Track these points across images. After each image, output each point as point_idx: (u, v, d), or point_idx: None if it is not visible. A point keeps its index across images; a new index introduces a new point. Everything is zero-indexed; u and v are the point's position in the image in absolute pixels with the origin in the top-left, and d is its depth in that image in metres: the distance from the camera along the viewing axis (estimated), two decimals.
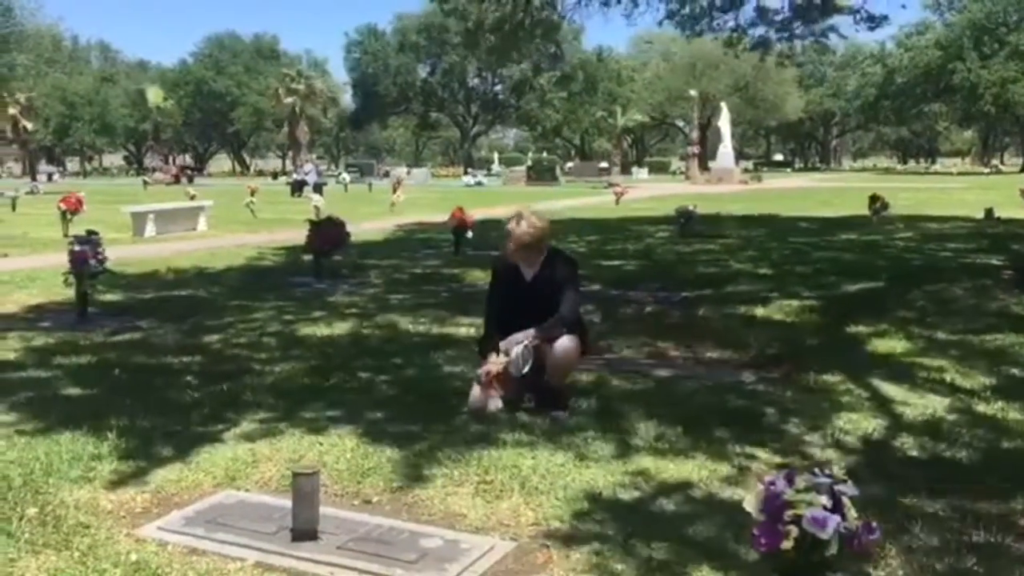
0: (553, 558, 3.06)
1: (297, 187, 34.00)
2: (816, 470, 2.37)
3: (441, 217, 15.80)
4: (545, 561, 3.05)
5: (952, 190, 34.68)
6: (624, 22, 77.87)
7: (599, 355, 6.16)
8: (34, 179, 51.28)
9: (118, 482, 3.75)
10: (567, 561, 3.03)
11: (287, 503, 3.29)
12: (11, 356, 6.16)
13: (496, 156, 78.63)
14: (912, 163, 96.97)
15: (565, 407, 4.68)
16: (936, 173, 65.87)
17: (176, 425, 4.48)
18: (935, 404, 4.84)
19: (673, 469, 3.86)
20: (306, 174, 36.33)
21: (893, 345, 6.35)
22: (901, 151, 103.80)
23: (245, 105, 76.44)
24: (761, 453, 4.08)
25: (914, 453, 4.10)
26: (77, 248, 7.44)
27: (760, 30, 18.01)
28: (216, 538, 3.21)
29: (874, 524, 2.34)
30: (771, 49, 18.64)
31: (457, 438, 4.23)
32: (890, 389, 5.14)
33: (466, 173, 53.35)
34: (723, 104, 50.14)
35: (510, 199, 26.46)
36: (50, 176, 58.19)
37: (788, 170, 74.80)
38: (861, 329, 6.90)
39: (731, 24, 18.03)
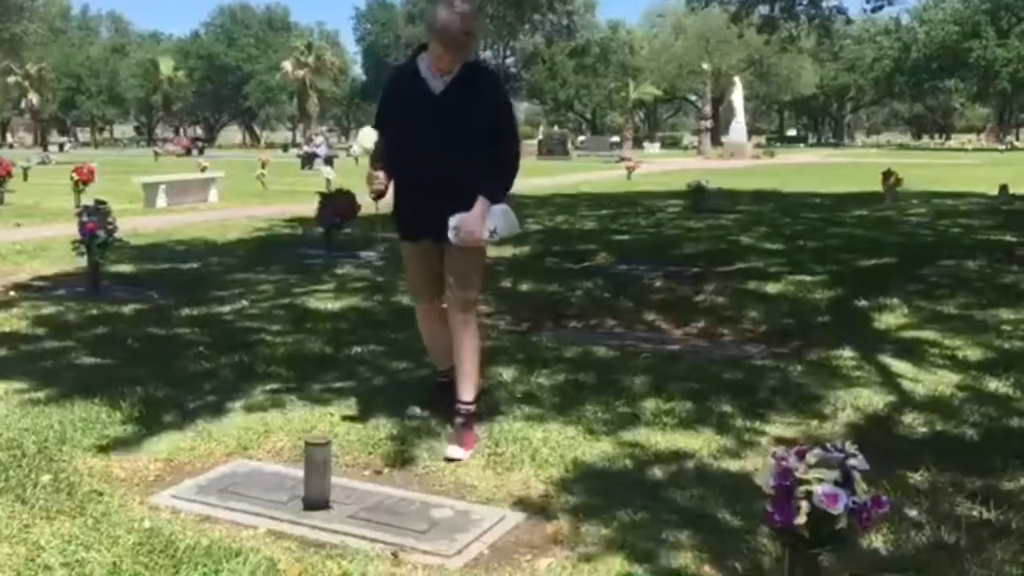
0: (563, 529, 3.08)
1: (308, 160, 33.96)
2: (828, 444, 2.37)
3: None
4: (555, 532, 3.06)
5: (966, 166, 34.41)
6: None
7: (608, 329, 6.18)
8: (45, 149, 51.36)
9: (131, 450, 3.78)
10: (577, 532, 3.05)
11: (299, 473, 3.32)
12: (24, 325, 6.20)
13: None
14: (926, 139, 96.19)
15: (468, 436, 3.80)
16: (950, 149, 65.34)
17: (188, 395, 4.51)
18: (946, 380, 4.83)
19: (682, 443, 3.87)
20: (317, 147, 36.27)
21: (904, 321, 6.33)
22: (915, 127, 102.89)
23: (256, 77, 76.28)
24: (769, 428, 4.08)
25: (923, 429, 4.10)
26: (85, 218, 7.45)
27: (764, 8, 17.80)
28: (229, 506, 3.24)
29: (884, 498, 2.35)
30: (777, 29, 18.36)
31: None
32: (900, 365, 5.12)
33: None
34: (736, 79, 49.77)
35: (521, 172, 26.33)
36: (61, 146, 58.30)
37: (801, 145, 74.35)
38: (872, 305, 6.87)
39: None
